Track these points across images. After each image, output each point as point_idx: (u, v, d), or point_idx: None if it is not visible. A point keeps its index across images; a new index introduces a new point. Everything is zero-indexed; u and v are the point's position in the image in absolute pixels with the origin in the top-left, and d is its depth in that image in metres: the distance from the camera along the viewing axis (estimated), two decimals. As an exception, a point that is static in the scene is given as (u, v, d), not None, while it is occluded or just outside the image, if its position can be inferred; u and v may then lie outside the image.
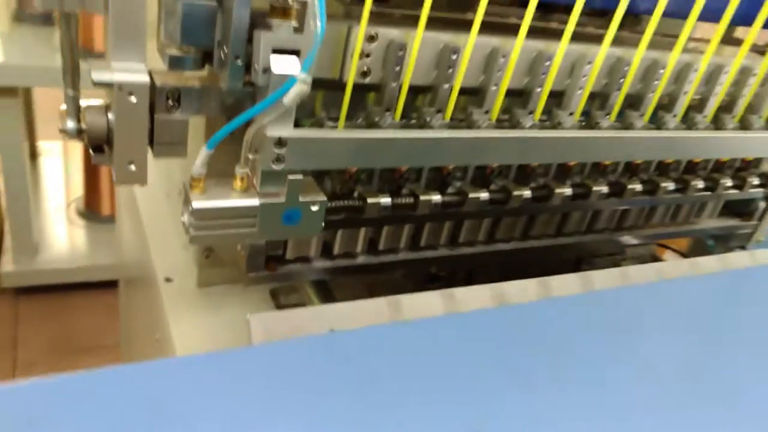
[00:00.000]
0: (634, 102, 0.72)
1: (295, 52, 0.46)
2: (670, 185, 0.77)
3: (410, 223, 0.68)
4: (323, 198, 0.54)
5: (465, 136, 0.57)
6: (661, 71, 0.70)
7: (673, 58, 0.69)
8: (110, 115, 0.49)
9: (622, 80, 0.68)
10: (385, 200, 0.59)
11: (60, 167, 2.15)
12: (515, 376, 0.47)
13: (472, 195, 0.63)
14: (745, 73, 0.77)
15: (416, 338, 0.50)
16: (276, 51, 0.45)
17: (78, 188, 2.06)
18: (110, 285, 1.85)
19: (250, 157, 0.50)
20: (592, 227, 0.83)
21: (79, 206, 2.05)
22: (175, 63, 0.48)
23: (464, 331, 0.52)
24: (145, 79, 0.48)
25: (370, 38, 0.54)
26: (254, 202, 0.51)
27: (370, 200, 0.58)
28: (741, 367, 0.53)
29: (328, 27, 0.52)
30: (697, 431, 0.44)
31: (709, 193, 0.83)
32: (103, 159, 0.53)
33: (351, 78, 0.54)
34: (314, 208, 0.54)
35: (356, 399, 0.42)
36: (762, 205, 0.97)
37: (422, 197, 0.61)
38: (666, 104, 0.75)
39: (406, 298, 0.60)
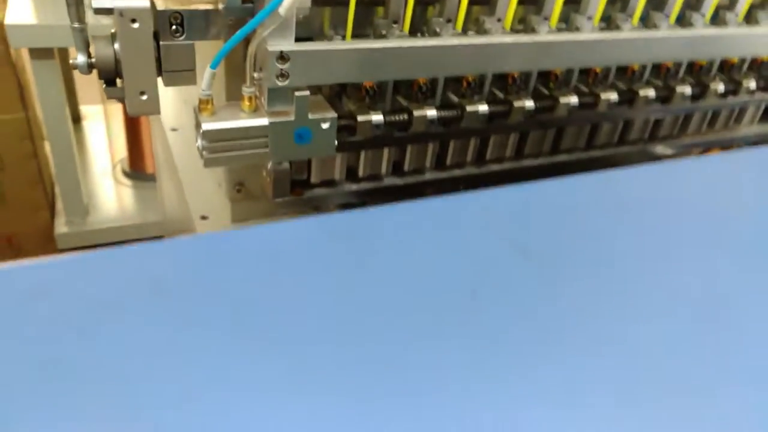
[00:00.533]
0: (658, 3, 0.69)
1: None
2: (687, 89, 0.73)
3: (434, 141, 0.68)
4: (333, 115, 0.54)
5: (475, 42, 0.56)
6: (687, -34, 0.66)
7: (700, -49, 0.65)
8: (117, 45, 0.50)
9: (644, -22, 0.65)
10: (377, 117, 0.58)
11: (102, 129, 2.20)
12: (517, 248, 0.46)
13: (470, 108, 0.62)
14: (781, -37, 0.72)
15: (419, 216, 0.50)
16: (269, -42, 0.45)
17: (122, 149, 2.11)
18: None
19: (256, 76, 0.50)
20: (624, 139, 0.81)
21: (124, 166, 2.10)
22: (172, -16, 0.48)
23: (467, 208, 0.52)
24: (145, 3, 0.48)
25: (371, -54, 0.52)
26: (263, 121, 0.51)
27: (361, 118, 0.58)
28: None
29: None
30: (707, 305, 0.43)
31: (732, 97, 0.79)
32: (115, 92, 0.54)
33: (354, -10, 0.53)
34: (325, 126, 0.54)
35: (351, 275, 0.43)
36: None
37: (416, 113, 0.59)
38: (694, 3, 0.71)
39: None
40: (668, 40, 0.66)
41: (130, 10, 0.48)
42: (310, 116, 0.53)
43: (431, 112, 0.61)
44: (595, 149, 0.80)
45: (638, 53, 0.66)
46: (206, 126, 0.50)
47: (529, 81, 0.67)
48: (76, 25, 0.51)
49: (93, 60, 0.52)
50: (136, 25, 0.48)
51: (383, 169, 0.67)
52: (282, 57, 0.48)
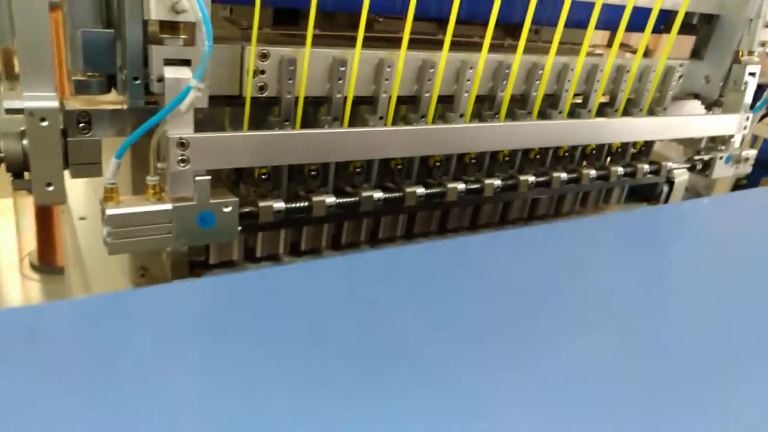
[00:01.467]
0: (520, 102, 0.80)
1: (186, 62, 0.52)
2: (563, 175, 0.84)
3: (330, 223, 0.74)
4: (234, 199, 0.59)
5: (357, 130, 0.64)
6: (541, 72, 0.78)
7: (550, 60, 0.77)
8: (25, 141, 0.54)
9: (505, 83, 0.76)
10: (279, 204, 0.64)
11: (12, 223, 2.15)
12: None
13: (365, 194, 0.69)
14: (620, 71, 0.85)
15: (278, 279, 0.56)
16: (169, 63, 0.51)
17: (31, 243, 2.07)
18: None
19: (159, 165, 0.56)
20: (505, 218, 0.90)
21: (32, 260, 2.05)
22: (81, 87, 0.54)
23: (345, 272, 0.58)
24: (54, 104, 0.53)
25: (263, 56, 0.60)
26: (167, 206, 0.56)
27: (262, 204, 0.64)
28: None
29: (224, 48, 0.59)
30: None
31: (602, 181, 0.90)
32: (23, 184, 0.58)
33: (248, 92, 0.60)
34: (226, 210, 0.59)
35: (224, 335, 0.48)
36: (666, 188, 1.06)
37: (315, 199, 0.66)
38: (552, 103, 0.83)
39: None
40: (528, 129, 0.77)
41: (40, 111, 0.53)
42: (212, 200, 0.58)
43: (330, 199, 0.68)
44: (479, 228, 0.88)
45: (503, 140, 0.75)
46: (110, 212, 0.54)
47: (412, 169, 0.75)
48: (-14, 123, 0.55)
49: (2, 155, 0.56)
50: (45, 124, 0.53)
51: (281, 249, 0.72)
52: (182, 143, 0.54)
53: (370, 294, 0.54)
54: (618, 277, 0.65)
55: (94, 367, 0.43)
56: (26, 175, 0.58)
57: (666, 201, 1.06)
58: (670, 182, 1.05)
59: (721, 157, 0.99)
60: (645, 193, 1.07)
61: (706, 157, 0.99)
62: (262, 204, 0.63)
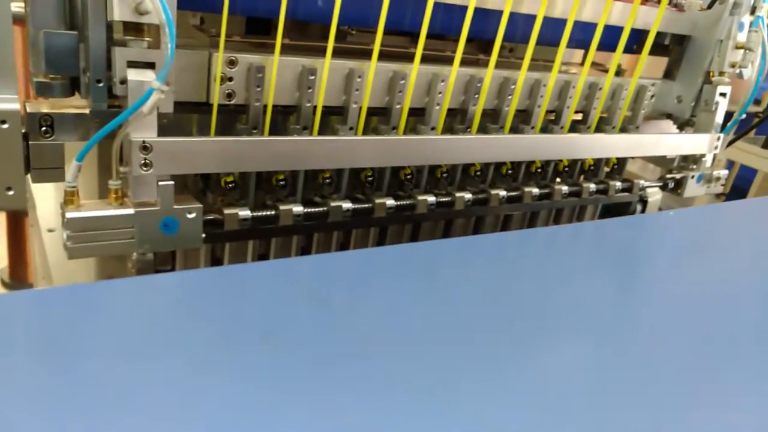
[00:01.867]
0: (492, 117, 0.80)
1: (150, 65, 0.51)
2: (535, 190, 0.84)
3: (298, 234, 0.73)
4: (198, 205, 0.58)
5: (325, 138, 0.64)
6: (513, 87, 0.78)
7: (522, 75, 0.77)
8: (-15, 144, 0.53)
9: (477, 96, 0.76)
10: (244, 212, 0.64)
11: (-18, 239, 2.12)
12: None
13: (333, 204, 0.69)
14: (592, 88, 0.86)
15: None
16: (132, 65, 0.51)
17: (2, 258, 2.03)
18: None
19: (122, 169, 0.55)
20: (478, 231, 0.89)
21: (3, 276, 2.02)
22: (42, 90, 0.53)
23: (309, 272, 0.57)
24: (15, 106, 0.52)
25: (231, 63, 0.60)
26: (129, 211, 0.55)
27: (227, 211, 0.63)
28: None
29: (191, 54, 0.59)
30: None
31: (575, 198, 0.90)
32: (-17, 187, 0.56)
33: (216, 99, 0.60)
34: (190, 216, 0.58)
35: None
36: (639, 208, 1.07)
37: (282, 208, 0.65)
38: (524, 119, 0.83)
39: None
40: (499, 142, 0.77)
41: (0, 113, 0.52)
42: (176, 206, 0.57)
43: (297, 208, 0.67)
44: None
45: (474, 153, 0.75)
46: (70, 215, 0.53)
47: (383, 181, 0.74)
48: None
49: (-39, 158, 0.55)
50: (5, 126, 0.52)
51: (248, 260, 0.71)
52: (145, 147, 0.53)
53: (332, 294, 0.53)
54: (591, 284, 0.64)
55: (47, 359, 0.41)
56: (-14, 179, 0.57)
57: (639, 220, 1.07)
58: (644, 202, 1.06)
59: (692, 176, 1.00)
60: (618, 213, 1.08)
61: (678, 176, 1.00)
62: (227, 211, 0.62)
